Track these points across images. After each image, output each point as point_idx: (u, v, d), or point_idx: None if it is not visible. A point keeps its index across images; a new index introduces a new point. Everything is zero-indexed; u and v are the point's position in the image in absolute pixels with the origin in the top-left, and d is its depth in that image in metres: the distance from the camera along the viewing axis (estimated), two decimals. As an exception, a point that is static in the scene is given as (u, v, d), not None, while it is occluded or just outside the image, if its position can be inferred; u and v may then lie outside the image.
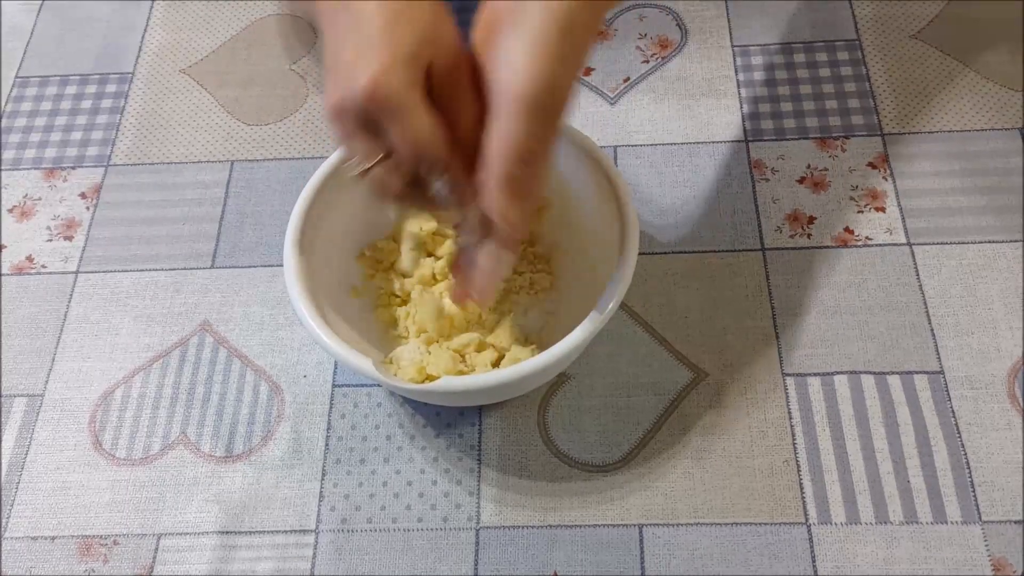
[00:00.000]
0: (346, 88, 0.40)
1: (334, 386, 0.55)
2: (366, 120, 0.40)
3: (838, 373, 0.53)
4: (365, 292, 0.54)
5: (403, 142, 0.41)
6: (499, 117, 0.40)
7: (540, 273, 0.55)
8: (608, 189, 0.49)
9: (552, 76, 0.39)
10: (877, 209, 0.59)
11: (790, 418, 0.52)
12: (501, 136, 0.40)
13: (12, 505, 0.52)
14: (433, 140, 0.41)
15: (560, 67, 0.39)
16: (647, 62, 0.67)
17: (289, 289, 0.47)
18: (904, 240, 0.57)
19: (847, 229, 0.58)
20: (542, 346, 0.47)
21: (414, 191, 0.44)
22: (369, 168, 0.42)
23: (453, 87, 0.42)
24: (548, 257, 0.56)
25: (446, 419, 0.53)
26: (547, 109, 0.40)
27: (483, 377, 0.45)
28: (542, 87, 0.39)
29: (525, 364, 0.44)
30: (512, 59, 0.40)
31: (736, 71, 0.66)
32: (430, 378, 0.48)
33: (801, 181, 0.60)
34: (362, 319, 0.53)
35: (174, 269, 0.60)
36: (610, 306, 0.45)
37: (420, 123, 0.40)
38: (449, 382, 0.45)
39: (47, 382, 0.56)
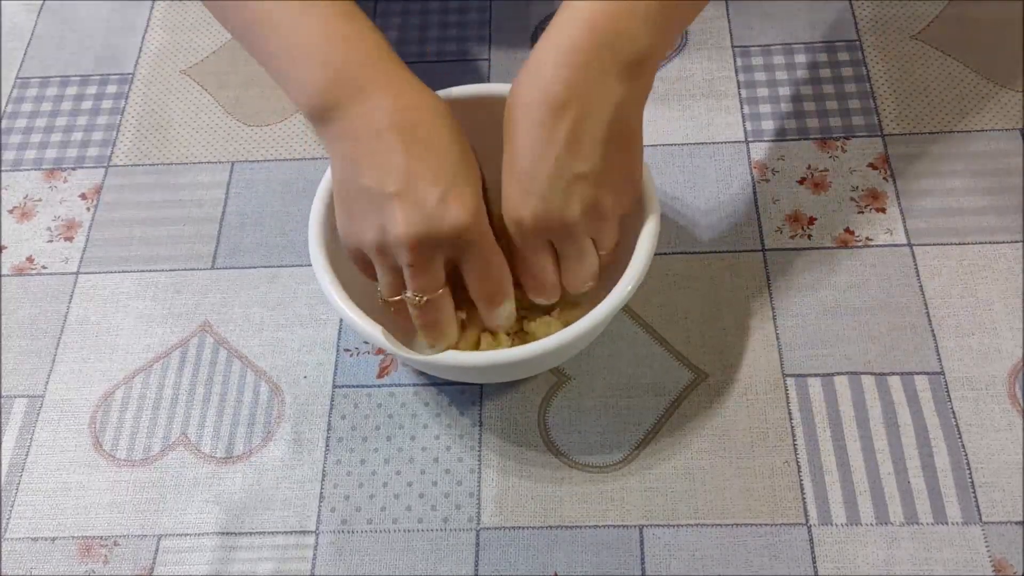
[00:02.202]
0: (435, 220, 0.40)
1: (334, 387, 0.55)
2: (441, 254, 0.42)
3: (838, 374, 0.53)
4: None
5: (491, 276, 0.44)
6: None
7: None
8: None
9: (535, 211, 0.42)
10: (878, 210, 0.59)
11: (790, 419, 0.52)
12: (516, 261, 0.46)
13: (12, 506, 0.52)
14: (509, 278, 0.45)
15: (544, 199, 0.42)
16: (647, 63, 0.67)
17: (312, 253, 0.48)
18: (904, 241, 0.57)
19: (847, 230, 0.58)
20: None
21: (455, 325, 0.46)
22: (431, 298, 0.43)
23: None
24: None
25: (446, 420, 0.53)
26: (533, 238, 0.44)
27: (492, 354, 0.45)
28: (524, 222, 0.43)
29: (538, 343, 0.45)
30: (504, 194, 0.44)
31: (736, 72, 0.66)
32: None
33: (801, 182, 0.60)
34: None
35: (174, 270, 0.60)
36: (629, 288, 0.45)
37: (502, 262, 0.44)
38: (454, 356, 0.45)
39: (47, 383, 0.56)
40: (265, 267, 0.60)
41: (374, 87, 0.43)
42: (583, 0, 0.42)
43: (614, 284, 0.46)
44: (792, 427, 0.52)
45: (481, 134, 0.53)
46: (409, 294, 0.44)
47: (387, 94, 0.43)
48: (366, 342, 0.56)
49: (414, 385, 0.55)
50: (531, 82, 0.42)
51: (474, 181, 0.43)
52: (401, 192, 0.41)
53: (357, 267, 0.46)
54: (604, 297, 0.46)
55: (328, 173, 0.50)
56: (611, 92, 0.42)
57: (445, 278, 0.44)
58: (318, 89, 0.43)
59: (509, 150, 0.43)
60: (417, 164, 0.41)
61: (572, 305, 0.54)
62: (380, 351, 0.56)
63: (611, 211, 0.44)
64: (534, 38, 0.69)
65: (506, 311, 0.46)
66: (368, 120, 0.42)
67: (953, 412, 0.52)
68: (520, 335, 0.52)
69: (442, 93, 0.51)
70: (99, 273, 0.60)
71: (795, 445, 0.51)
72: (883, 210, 0.59)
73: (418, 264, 0.42)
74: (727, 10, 0.69)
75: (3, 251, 0.62)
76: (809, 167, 0.61)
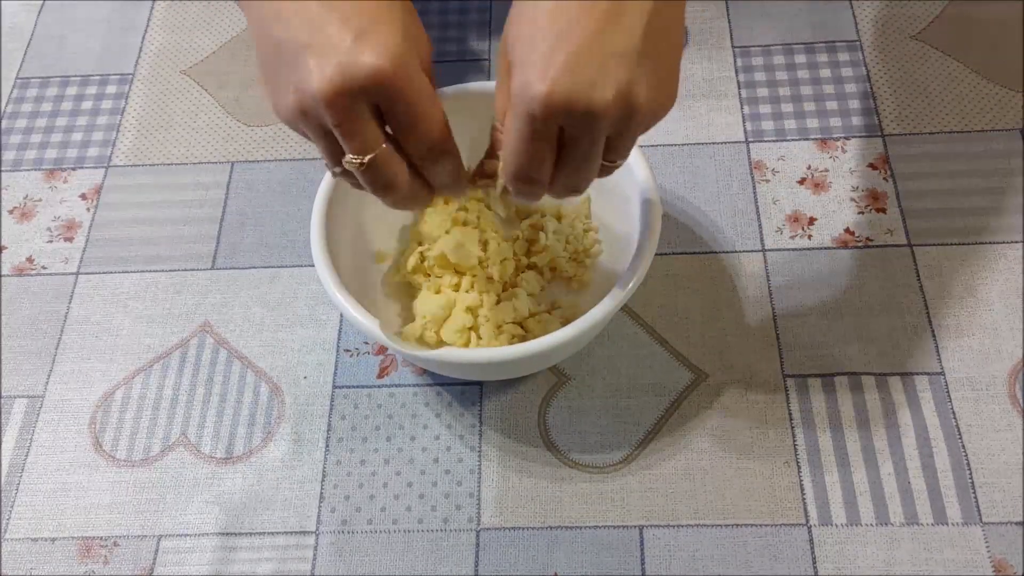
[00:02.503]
0: (348, 66, 0.35)
1: (334, 387, 0.55)
2: (367, 105, 0.36)
3: (839, 374, 0.53)
4: (390, 257, 0.55)
5: (418, 128, 0.37)
6: (507, 126, 0.37)
7: (581, 266, 0.55)
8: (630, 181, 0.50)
9: (556, 87, 0.34)
10: (878, 210, 0.59)
11: (791, 419, 0.52)
12: (504, 149, 0.38)
13: (12, 506, 0.52)
14: (446, 128, 0.38)
15: (573, 73, 0.34)
16: (647, 63, 0.67)
17: (313, 246, 0.48)
18: (905, 241, 0.57)
19: (847, 230, 0.58)
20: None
21: (417, 185, 0.40)
22: (369, 160, 0.37)
23: (428, 75, 0.39)
24: (587, 250, 0.56)
25: (447, 420, 0.53)
26: (545, 122, 0.35)
27: (492, 351, 0.45)
28: (541, 99, 0.35)
29: (539, 340, 0.45)
30: (519, 65, 0.36)
31: (736, 72, 0.66)
32: (439, 342, 0.49)
33: (802, 182, 0.60)
34: (385, 296, 0.54)
35: (174, 270, 0.60)
36: (631, 285, 0.45)
37: (436, 109, 0.37)
38: (453, 353, 0.45)
39: (47, 383, 0.56)
40: (265, 267, 0.60)
41: None
42: None
43: (614, 284, 0.46)
44: (792, 427, 0.52)
45: (484, 130, 0.53)
46: (347, 158, 0.38)
47: None
48: (366, 342, 0.56)
49: (414, 386, 0.55)
50: None
51: (396, 21, 0.36)
52: (311, 41, 0.35)
53: (302, 135, 0.40)
54: (603, 297, 0.46)
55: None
56: None
57: (384, 134, 0.38)
58: None
59: (531, 21, 0.36)
60: (328, 8, 0.36)
61: (571, 306, 0.54)
62: (380, 351, 0.56)
63: (643, 106, 0.36)
64: (534, 38, 0.69)
65: (447, 167, 0.40)
66: None
67: (953, 412, 0.52)
68: (519, 335, 0.52)
69: (449, 90, 0.51)
70: (99, 273, 0.60)
71: (795, 445, 0.51)
72: (883, 210, 0.59)
73: (344, 122, 0.36)
74: (727, 10, 0.69)
75: (3, 251, 0.62)
76: (809, 167, 0.61)
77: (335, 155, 0.38)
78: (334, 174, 0.40)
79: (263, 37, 0.38)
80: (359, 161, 0.37)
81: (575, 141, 0.37)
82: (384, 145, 0.37)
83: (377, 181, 0.39)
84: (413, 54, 0.36)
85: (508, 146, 0.38)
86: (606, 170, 0.40)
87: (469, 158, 0.55)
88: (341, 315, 0.57)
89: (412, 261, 0.52)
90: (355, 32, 0.35)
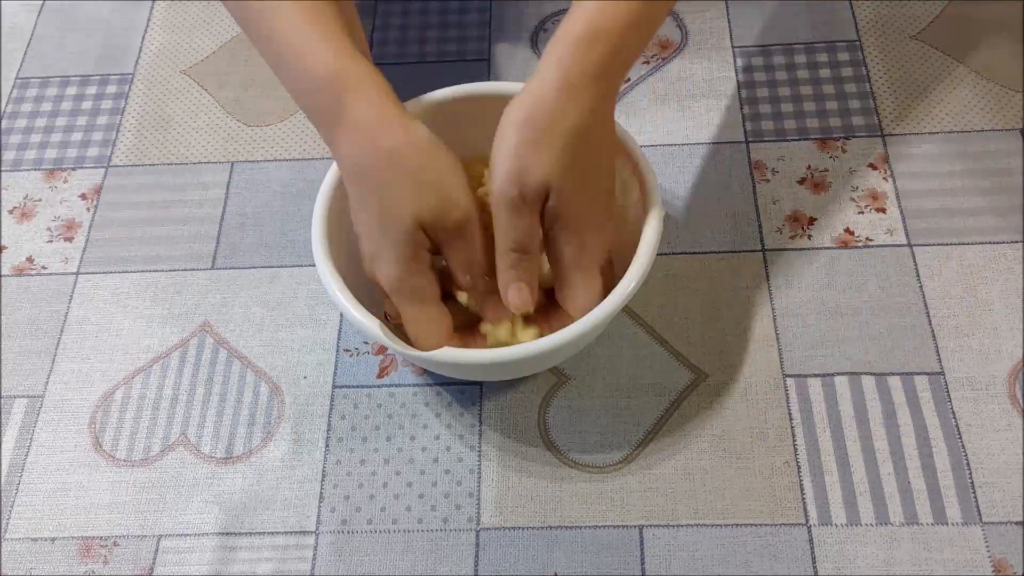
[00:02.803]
0: (443, 208, 0.43)
1: (334, 387, 0.55)
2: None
3: (838, 374, 0.53)
4: None
5: (471, 262, 0.45)
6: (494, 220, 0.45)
7: None
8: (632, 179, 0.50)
9: (516, 169, 0.42)
10: (877, 210, 0.59)
11: (790, 419, 0.52)
12: (496, 235, 0.45)
13: (12, 506, 0.52)
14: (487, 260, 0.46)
15: (525, 157, 0.42)
16: (647, 63, 0.67)
17: (314, 244, 0.48)
18: (905, 241, 0.57)
19: (847, 230, 0.58)
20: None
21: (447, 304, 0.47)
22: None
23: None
24: None
25: (446, 420, 0.53)
26: (518, 201, 0.43)
27: (493, 352, 0.45)
28: (507, 182, 0.43)
29: (540, 342, 0.45)
30: (493, 162, 0.44)
31: (736, 72, 0.66)
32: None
33: (801, 182, 0.60)
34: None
35: (174, 270, 0.60)
36: (632, 286, 0.45)
37: (482, 246, 0.46)
38: (453, 353, 0.45)
39: (47, 383, 0.56)
40: (265, 267, 0.60)
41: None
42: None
43: (616, 284, 0.46)
44: (792, 427, 0.52)
45: (486, 130, 0.53)
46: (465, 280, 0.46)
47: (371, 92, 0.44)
48: (366, 342, 0.56)
49: (414, 385, 0.55)
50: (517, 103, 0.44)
51: (463, 172, 0.45)
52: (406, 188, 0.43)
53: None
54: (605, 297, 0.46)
55: (332, 169, 0.50)
56: (581, 97, 0.43)
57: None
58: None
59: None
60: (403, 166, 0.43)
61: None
62: (380, 351, 0.56)
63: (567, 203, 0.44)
64: (534, 39, 0.69)
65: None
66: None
67: (953, 412, 0.52)
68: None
69: (449, 91, 0.51)
70: (99, 273, 0.60)
71: (795, 445, 0.51)
72: (883, 210, 0.59)
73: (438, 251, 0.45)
74: (727, 10, 0.69)
75: (3, 251, 0.62)
76: (809, 167, 0.61)
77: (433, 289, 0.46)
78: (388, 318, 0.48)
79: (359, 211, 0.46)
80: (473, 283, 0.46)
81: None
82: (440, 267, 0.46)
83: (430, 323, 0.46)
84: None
85: (497, 230, 0.45)
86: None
87: (475, 155, 0.55)
88: (341, 315, 0.57)
89: None
90: (438, 175, 0.44)
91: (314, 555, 0.50)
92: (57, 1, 0.75)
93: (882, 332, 0.54)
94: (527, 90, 0.44)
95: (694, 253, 0.58)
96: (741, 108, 0.64)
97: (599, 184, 0.46)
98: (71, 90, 0.69)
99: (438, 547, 0.50)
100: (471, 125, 0.52)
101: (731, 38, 0.68)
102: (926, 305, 0.55)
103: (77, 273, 0.60)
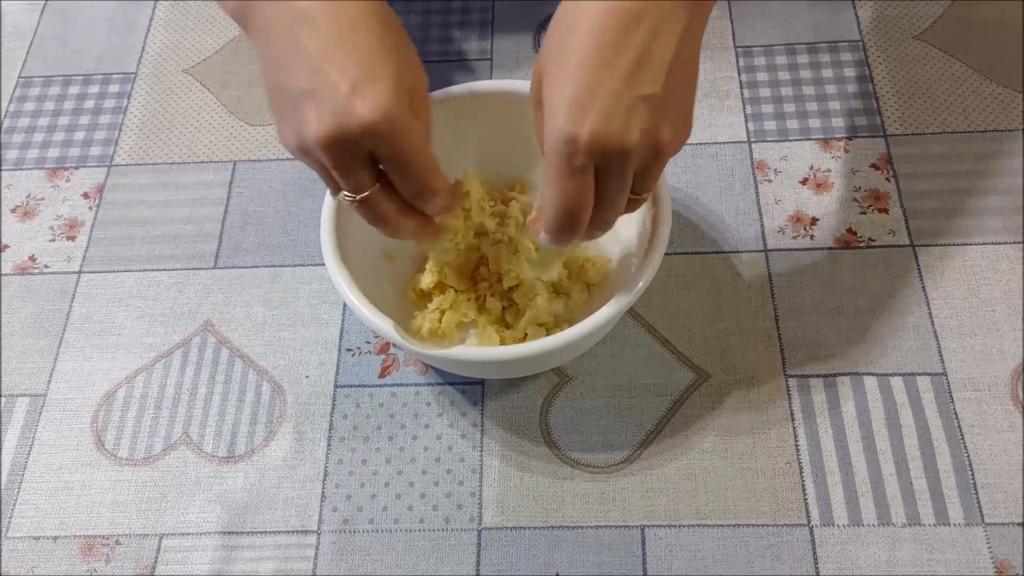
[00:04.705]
0: (343, 117, 0.37)
1: (336, 387, 0.55)
2: (361, 151, 0.39)
3: (840, 375, 0.53)
4: (398, 256, 0.55)
5: (406, 174, 0.40)
6: (545, 171, 0.40)
7: (596, 266, 0.55)
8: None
9: (595, 129, 0.37)
10: (880, 210, 0.59)
11: (792, 419, 0.52)
12: (545, 190, 0.40)
13: (14, 505, 0.52)
14: (434, 169, 0.41)
15: (606, 118, 0.37)
16: (650, 63, 0.67)
17: (323, 245, 0.48)
18: (907, 241, 0.57)
19: (850, 230, 0.58)
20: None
21: (412, 216, 0.43)
22: (361, 198, 0.41)
23: (422, 112, 0.42)
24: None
25: (448, 420, 0.53)
26: (584, 159, 0.38)
27: (499, 350, 0.45)
28: (581, 140, 0.37)
29: (544, 341, 0.45)
30: (552, 108, 0.39)
31: (739, 72, 0.66)
32: (446, 335, 0.50)
33: (804, 182, 0.60)
34: (394, 295, 0.54)
35: (176, 269, 0.60)
36: (640, 286, 0.45)
37: (423, 155, 0.40)
38: (465, 352, 0.45)
39: (50, 382, 0.56)
40: (267, 266, 0.60)
41: None
42: None
43: (619, 287, 0.46)
44: (794, 428, 0.52)
45: (487, 129, 0.53)
46: (341, 194, 0.41)
47: None
48: (368, 341, 0.56)
49: (416, 385, 0.55)
50: None
51: (391, 71, 0.39)
52: (311, 88, 0.38)
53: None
54: (608, 299, 0.46)
55: None
56: (680, 16, 0.38)
57: (377, 174, 0.41)
58: None
59: (563, 61, 0.38)
60: (331, 55, 0.38)
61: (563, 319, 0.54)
62: (382, 350, 0.56)
63: (668, 145, 0.39)
64: (536, 38, 0.69)
65: (435, 205, 0.43)
66: (282, 12, 0.39)
67: (955, 413, 0.51)
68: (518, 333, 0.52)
69: (449, 90, 0.51)
70: (101, 272, 0.60)
71: (797, 446, 0.51)
72: (885, 211, 0.59)
73: (338, 165, 0.39)
74: (729, 10, 0.69)
75: (6, 250, 0.62)
76: (811, 167, 0.61)
77: (334, 187, 0.42)
78: (334, 197, 0.44)
79: (270, 78, 0.41)
80: (352, 198, 0.41)
81: (607, 178, 0.39)
82: (376, 185, 0.41)
83: (369, 216, 0.42)
84: (402, 104, 0.39)
85: (550, 188, 0.40)
86: (633, 203, 0.42)
87: (477, 155, 0.55)
88: (343, 314, 0.57)
89: (427, 280, 0.53)
90: (351, 83, 0.38)
91: (316, 554, 0.50)
92: (60, 1, 0.75)
93: (884, 332, 0.54)
94: None
95: (696, 253, 0.58)
96: (744, 108, 0.64)
97: (687, 129, 0.41)
98: (74, 89, 0.69)
99: (440, 547, 0.50)
100: (474, 125, 0.53)
101: (734, 38, 0.68)
102: (928, 305, 0.55)
103: (79, 272, 0.60)
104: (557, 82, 0.38)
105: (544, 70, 0.40)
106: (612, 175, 0.39)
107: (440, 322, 0.52)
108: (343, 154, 0.39)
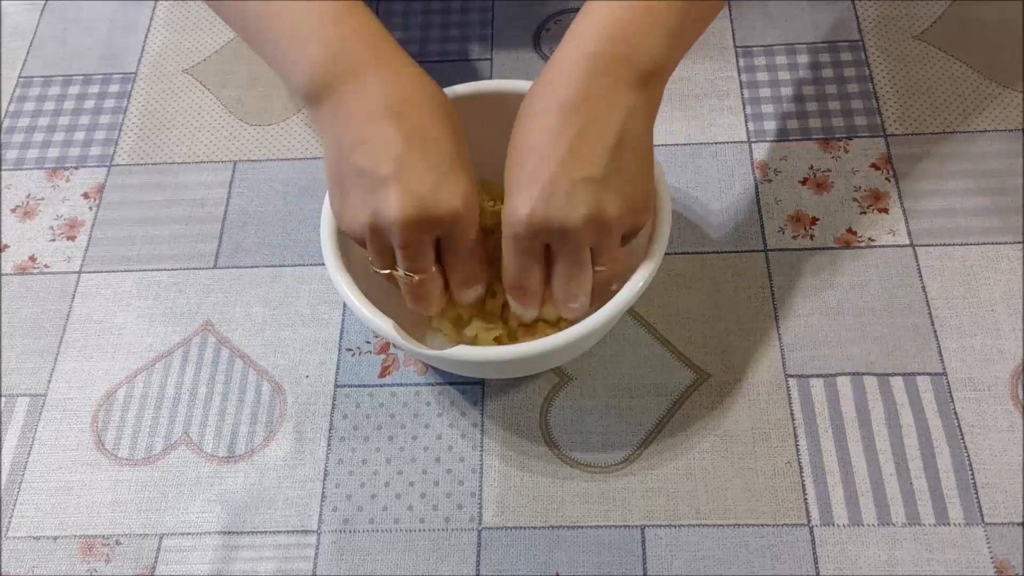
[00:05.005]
0: (431, 202, 0.41)
1: (336, 386, 0.55)
2: (432, 237, 0.43)
3: (840, 374, 0.53)
4: None
5: (468, 264, 0.45)
6: (503, 243, 0.44)
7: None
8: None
9: (534, 212, 0.41)
10: (880, 210, 0.59)
11: (792, 419, 0.52)
12: (502, 266, 0.45)
13: (14, 505, 0.52)
14: (484, 266, 0.47)
15: (546, 201, 0.41)
16: (650, 63, 0.67)
17: (323, 245, 0.48)
18: (907, 241, 0.57)
19: (850, 230, 0.58)
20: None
21: (444, 299, 0.47)
22: (420, 279, 0.44)
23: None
24: None
25: (448, 420, 0.53)
26: (529, 240, 0.42)
27: (500, 350, 0.45)
28: (523, 222, 0.42)
29: (544, 341, 0.45)
30: (507, 191, 0.43)
31: (739, 72, 0.66)
32: (459, 335, 0.51)
33: (804, 182, 0.60)
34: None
35: (176, 269, 0.60)
36: (640, 286, 0.45)
37: (480, 250, 0.46)
38: (465, 352, 0.45)
39: (50, 382, 0.56)
40: (267, 266, 0.60)
41: (370, 69, 0.43)
42: (604, 1, 0.42)
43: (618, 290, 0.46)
44: (794, 427, 0.52)
45: (487, 129, 0.53)
46: (400, 272, 0.44)
47: (384, 76, 0.43)
48: (368, 341, 0.56)
49: (416, 385, 0.55)
50: (545, 86, 0.43)
51: (467, 170, 0.43)
52: (396, 175, 0.41)
53: (352, 240, 0.47)
54: (608, 299, 0.46)
55: None
56: (623, 100, 0.42)
57: (435, 258, 0.44)
58: (314, 68, 0.43)
59: (515, 151, 0.43)
60: (412, 148, 0.41)
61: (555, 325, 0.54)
62: (382, 350, 0.56)
63: (615, 221, 0.42)
64: (536, 38, 0.69)
65: (475, 293, 0.48)
66: (363, 102, 0.42)
67: (955, 413, 0.51)
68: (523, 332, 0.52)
69: (448, 91, 0.51)
70: (101, 272, 0.60)
71: (797, 446, 0.51)
72: (886, 211, 0.59)
73: (410, 246, 0.42)
74: (729, 11, 0.69)
75: (6, 250, 0.62)
76: (811, 167, 0.61)
77: (387, 264, 0.45)
78: (374, 271, 0.46)
79: (342, 160, 0.43)
80: (411, 278, 0.44)
81: (559, 255, 0.43)
82: (434, 269, 0.44)
83: (416, 293, 0.46)
84: (477, 201, 0.44)
85: (503, 262, 0.45)
86: (599, 276, 0.45)
87: (477, 155, 0.55)
88: (343, 314, 0.57)
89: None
90: (438, 176, 0.41)
91: (316, 554, 0.50)
92: (60, 1, 0.75)
93: (884, 332, 0.54)
94: (548, 79, 0.43)
95: (696, 253, 0.58)
96: (744, 108, 0.64)
97: (643, 206, 0.45)
98: (73, 89, 0.69)
99: (440, 547, 0.50)
100: (474, 125, 0.52)
101: (733, 38, 0.68)
102: (928, 305, 0.55)
103: (79, 272, 0.60)
104: (510, 173, 0.43)
105: (508, 157, 0.44)
106: (562, 252, 0.43)
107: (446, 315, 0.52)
108: (419, 236, 0.42)
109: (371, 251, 0.45)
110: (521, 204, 0.42)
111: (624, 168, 0.42)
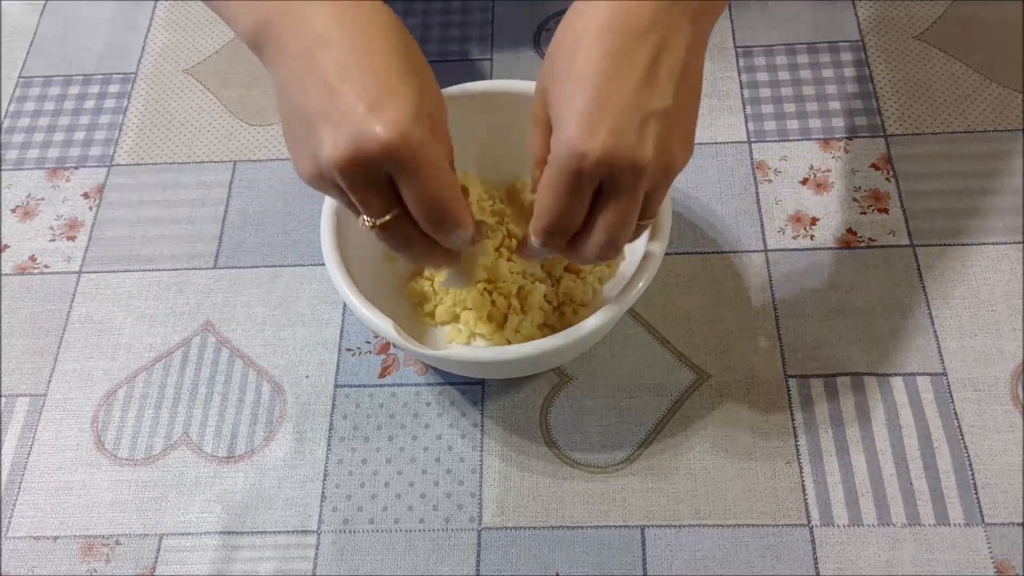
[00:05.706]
0: (360, 136, 0.35)
1: (336, 387, 0.55)
2: (379, 174, 0.37)
3: (840, 375, 0.53)
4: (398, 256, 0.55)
5: (426, 201, 0.37)
6: (544, 180, 0.38)
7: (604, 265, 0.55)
8: None
9: (604, 145, 0.36)
10: (880, 210, 0.59)
11: (792, 419, 0.52)
12: (539, 200, 0.39)
13: (14, 505, 0.52)
14: (457, 199, 0.38)
15: (618, 132, 0.36)
16: (650, 63, 0.67)
17: (323, 245, 0.48)
18: (907, 242, 0.57)
19: (850, 230, 0.58)
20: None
21: (433, 245, 0.41)
22: (382, 223, 0.39)
23: (443, 138, 0.40)
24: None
25: (448, 420, 0.53)
26: (590, 177, 0.37)
27: (500, 350, 0.45)
28: (588, 156, 0.36)
29: (544, 341, 0.45)
30: (561, 122, 0.37)
31: (739, 72, 0.66)
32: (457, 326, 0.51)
33: (804, 182, 0.60)
34: (393, 296, 0.54)
35: (176, 269, 0.60)
36: (640, 286, 0.45)
37: (445, 181, 0.38)
38: (465, 352, 0.45)
39: (50, 382, 0.56)
40: (267, 266, 0.60)
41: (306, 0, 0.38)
42: None
43: (620, 287, 0.46)
44: (794, 428, 0.52)
45: (487, 129, 0.53)
46: (360, 219, 0.39)
47: (318, 6, 0.38)
48: (368, 341, 0.56)
49: (416, 385, 0.55)
50: (604, 4, 0.37)
51: (409, 90, 0.37)
52: (327, 109, 0.36)
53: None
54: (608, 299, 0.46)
55: None
56: (686, 30, 0.38)
57: (397, 199, 0.38)
58: (250, 11, 0.39)
59: (571, 76, 0.37)
60: (348, 76, 0.36)
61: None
62: (382, 350, 0.56)
63: (679, 163, 0.38)
64: (536, 38, 0.69)
65: (457, 238, 0.40)
66: (296, 34, 0.38)
67: (955, 413, 0.51)
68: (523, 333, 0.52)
69: (449, 90, 0.51)
70: (101, 272, 0.60)
71: (797, 446, 0.51)
72: (886, 211, 0.59)
73: (356, 190, 0.37)
74: (730, 11, 0.69)
75: (6, 250, 0.62)
76: (812, 167, 0.61)
77: (354, 211, 0.39)
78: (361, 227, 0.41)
79: (285, 105, 0.39)
80: (371, 223, 0.39)
81: (616, 197, 0.38)
82: (396, 211, 0.38)
83: (393, 243, 0.40)
84: (423, 126, 0.36)
85: (546, 199, 0.38)
86: (639, 230, 0.41)
87: (477, 155, 0.55)
88: (343, 314, 0.57)
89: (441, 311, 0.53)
90: (368, 103, 0.36)
91: (316, 554, 0.50)
92: (60, 1, 0.75)
93: (884, 333, 0.54)
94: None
95: (696, 253, 0.58)
96: (744, 108, 0.64)
97: (691, 144, 0.39)
98: (74, 89, 0.69)
99: (440, 547, 0.50)
100: (474, 125, 0.53)
101: (733, 38, 0.68)
102: (928, 306, 0.55)
103: (79, 272, 0.60)
104: (566, 97, 0.37)
105: (548, 87, 0.39)
106: (622, 193, 0.37)
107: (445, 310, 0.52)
108: (361, 178, 0.37)
109: (341, 203, 0.40)
110: (588, 135, 0.36)
111: (685, 104, 0.38)
